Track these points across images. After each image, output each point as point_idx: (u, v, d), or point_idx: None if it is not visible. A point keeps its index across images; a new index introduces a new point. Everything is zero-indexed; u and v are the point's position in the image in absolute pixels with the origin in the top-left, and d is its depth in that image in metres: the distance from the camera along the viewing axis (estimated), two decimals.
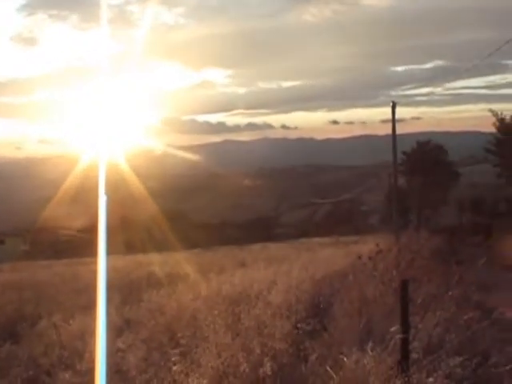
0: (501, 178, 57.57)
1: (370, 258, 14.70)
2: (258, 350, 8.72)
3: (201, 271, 23.34)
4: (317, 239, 72.00)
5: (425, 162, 72.70)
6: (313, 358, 8.31)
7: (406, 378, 6.56)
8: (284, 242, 69.87)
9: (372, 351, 7.59)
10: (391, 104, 43.86)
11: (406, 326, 7.10)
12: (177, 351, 8.88)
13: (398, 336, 7.22)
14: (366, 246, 35.95)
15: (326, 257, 31.54)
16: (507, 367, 6.63)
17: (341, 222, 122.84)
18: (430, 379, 6.51)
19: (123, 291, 17.95)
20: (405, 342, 7.06)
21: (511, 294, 15.30)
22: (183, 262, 36.53)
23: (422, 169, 72.62)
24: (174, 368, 8.11)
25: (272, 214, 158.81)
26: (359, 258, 15.26)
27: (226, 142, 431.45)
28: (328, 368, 7.65)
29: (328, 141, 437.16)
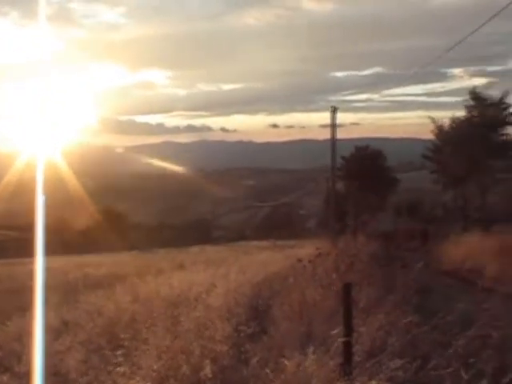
0: (437, 185, 58.39)
1: (309, 262, 14.70)
2: (198, 353, 8.65)
3: (139, 273, 23.17)
4: (255, 242, 72.39)
5: (363, 167, 73.37)
6: (254, 360, 8.25)
7: (349, 382, 6.56)
8: (222, 245, 70.15)
9: (314, 354, 7.57)
10: (331, 109, 44.16)
11: (348, 329, 7.10)
12: (116, 353, 8.75)
13: (341, 339, 7.21)
14: (304, 249, 36.11)
15: (263, 260, 31.63)
16: (447, 370, 6.66)
17: (279, 225, 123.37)
18: (373, 382, 6.52)
19: (60, 292, 17.66)
20: (348, 345, 7.06)
21: (449, 298, 15.47)
22: (121, 263, 36.30)
23: (360, 174, 73.26)
24: (115, 370, 8.00)
25: (210, 216, 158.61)
26: (299, 261, 15.27)
27: (164, 143, 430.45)
28: (269, 371, 7.61)
29: (267, 144, 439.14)
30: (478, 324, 7.20)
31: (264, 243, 67.91)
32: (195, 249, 59.58)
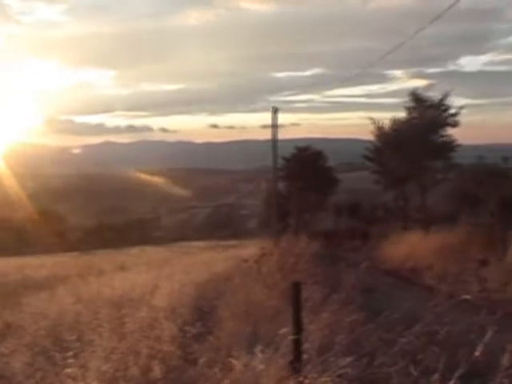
0: (378, 185, 58.94)
1: (255, 262, 14.74)
2: (145, 353, 8.61)
3: (80, 274, 22.94)
4: (196, 243, 72.31)
5: (304, 167, 73.69)
6: (202, 361, 8.24)
7: (301, 378, 6.59)
8: (163, 246, 69.75)
9: (262, 353, 7.59)
10: (272, 109, 44.27)
11: (298, 328, 7.13)
12: (63, 355, 8.63)
13: (291, 337, 7.24)
14: (246, 250, 36.21)
15: (206, 260, 31.59)
16: (395, 367, 6.74)
17: (220, 226, 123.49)
18: (322, 379, 6.56)
19: (0, 295, 17.41)
20: (297, 344, 7.09)
21: (392, 297, 15.66)
22: (62, 264, 35.89)
23: (301, 174, 73.57)
24: (62, 372, 7.90)
25: (150, 216, 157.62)
26: (245, 261, 15.31)
27: (105, 143, 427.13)
28: (217, 370, 7.61)
29: (208, 145, 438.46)
30: (422, 322, 7.28)
31: (205, 244, 67.93)
32: (136, 250, 59.21)
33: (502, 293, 16.70)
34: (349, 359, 7.08)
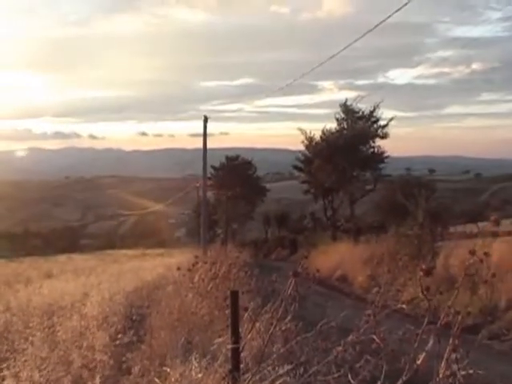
0: (307, 195, 59.27)
1: (188, 270, 14.66)
2: (78, 363, 8.47)
3: (7, 282, 22.56)
4: (123, 251, 71.77)
5: (233, 176, 73.83)
6: (135, 370, 8.14)
7: None
8: (90, 254, 69.18)
9: (198, 362, 7.55)
10: (203, 118, 44.20)
11: (236, 337, 7.10)
12: None
13: (229, 346, 7.20)
14: (174, 258, 36.06)
15: (134, 269, 31.34)
16: (332, 376, 6.76)
17: (147, 234, 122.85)
18: None
19: None
20: (235, 353, 7.05)
21: (324, 306, 15.72)
22: None
23: (230, 183, 73.71)
24: None
25: (77, 224, 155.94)
26: (178, 269, 15.19)
27: (31, 149, 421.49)
28: (151, 380, 7.53)
29: (136, 152, 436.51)
30: (356, 330, 7.31)
31: (132, 252, 67.49)
32: (63, 257, 58.53)
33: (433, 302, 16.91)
34: (286, 368, 7.09)
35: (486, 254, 4.90)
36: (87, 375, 8.05)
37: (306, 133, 52.97)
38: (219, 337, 8.65)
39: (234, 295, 7.41)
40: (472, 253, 4.86)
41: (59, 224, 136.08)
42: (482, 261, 4.85)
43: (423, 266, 5.24)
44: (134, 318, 13.49)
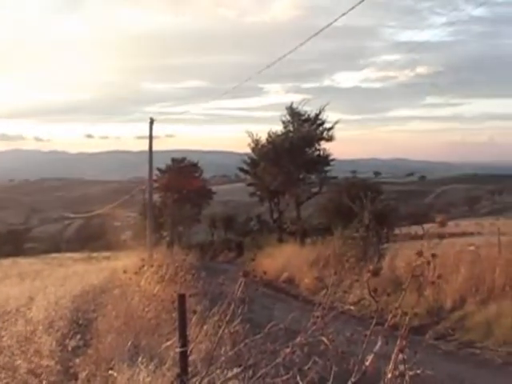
0: (253, 197, 59.32)
1: (135, 273, 14.58)
2: (24, 369, 8.35)
3: None
4: (69, 254, 71.11)
5: (179, 179, 73.58)
6: (82, 375, 8.07)
7: None
8: (36, 257, 68.30)
9: (145, 366, 7.51)
10: (150, 120, 43.95)
11: (184, 340, 7.07)
12: None
13: (177, 349, 7.17)
14: (121, 261, 35.77)
15: (80, 272, 31.02)
16: (281, 378, 6.78)
17: (93, 237, 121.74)
18: None
19: None
20: (184, 356, 7.03)
21: (271, 309, 15.76)
22: None
23: (176, 186, 73.45)
24: None
25: (22, 227, 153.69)
26: (125, 272, 15.10)
27: None
28: None
29: (81, 155, 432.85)
30: (304, 332, 7.33)
31: (78, 255, 66.88)
32: (7, 261, 57.67)
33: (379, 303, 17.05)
34: (235, 370, 7.09)
35: (432, 255, 4.95)
36: (33, 381, 7.95)
37: (252, 135, 52.95)
38: (167, 340, 8.62)
39: (182, 298, 7.38)
40: (419, 254, 4.91)
41: (3, 227, 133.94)
42: (428, 262, 4.90)
43: (371, 267, 5.27)
44: (80, 322, 13.35)
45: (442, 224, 60.05)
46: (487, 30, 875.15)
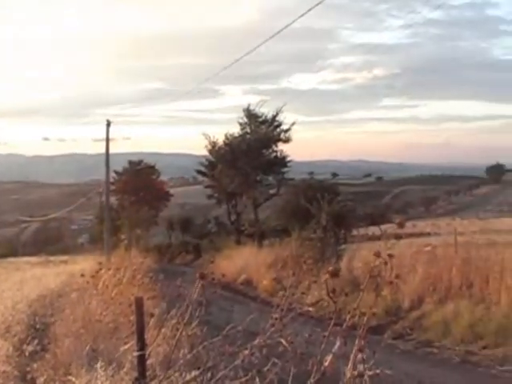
0: (211, 199, 59.24)
1: (92, 277, 14.46)
2: None
3: None
4: (25, 258, 70.29)
5: (136, 181, 73.35)
6: (40, 381, 7.99)
7: None
8: None
9: (104, 370, 7.46)
10: (107, 122, 43.72)
11: (142, 343, 7.04)
12: None
13: (135, 353, 7.14)
14: (78, 265, 35.51)
15: (37, 276, 30.75)
16: (239, 380, 6.77)
17: (49, 240, 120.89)
18: None
19: None
20: (141, 359, 7.00)
21: (229, 311, 15.75)
22: None
23: (133, 188, 73.20)
24: None
25: None
26: (82, 275, 14.98)
27: None
28: None
29: (38, 157, 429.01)
30: (263, 334, 7.34)
31: (35, 259, 66.22)
32: None
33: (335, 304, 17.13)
34: (193, 373, 7.07)
35: (390, 255, 4.98)
36: None
37: (209, 137, 52.81)
38: (125, 344, 8.58)
39: (139, 301, 7.36)
40: (377, 255, 4.93)
41: None
42: (386, 263, 4.92)
43: (330, 268, 5.27)
44: (37, 326, 13.25)
45: (401, 225, 60.42)
46: (444, 32, 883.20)
